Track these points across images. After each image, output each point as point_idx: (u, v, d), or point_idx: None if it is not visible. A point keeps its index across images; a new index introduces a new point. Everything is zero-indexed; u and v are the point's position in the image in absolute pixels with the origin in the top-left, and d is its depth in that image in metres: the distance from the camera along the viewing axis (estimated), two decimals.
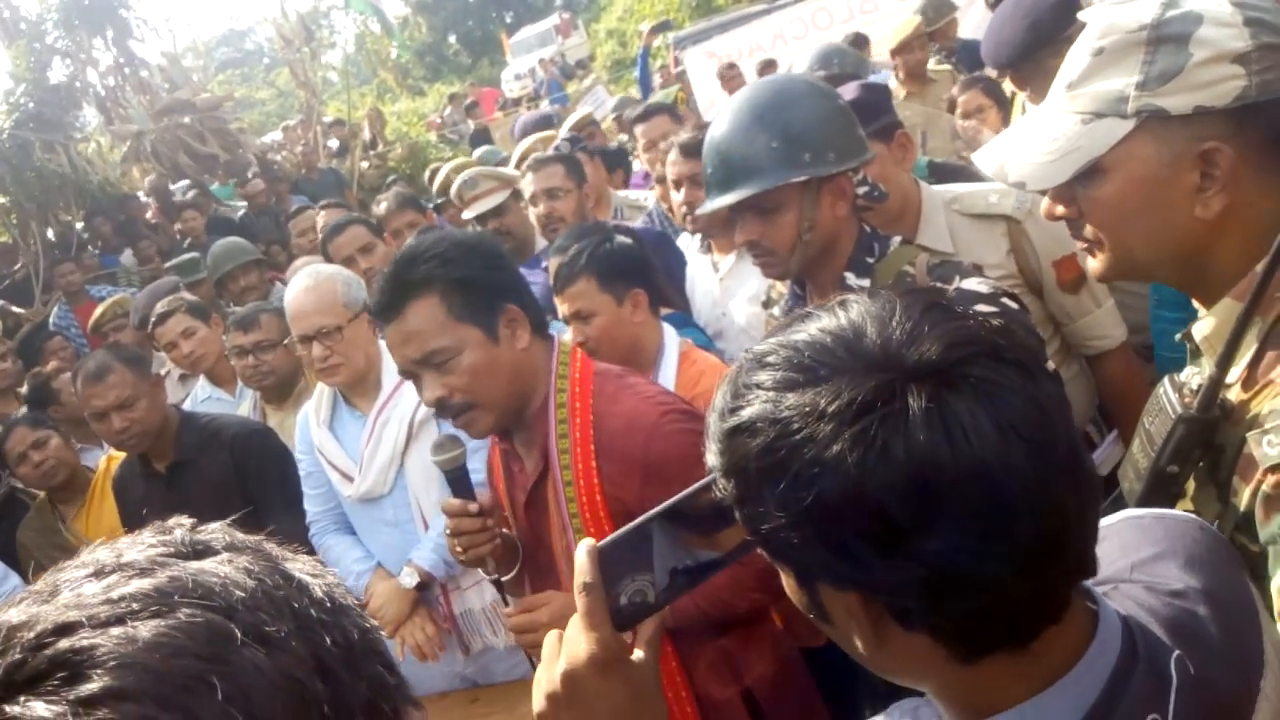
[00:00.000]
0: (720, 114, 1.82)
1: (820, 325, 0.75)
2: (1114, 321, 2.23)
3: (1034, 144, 1.12)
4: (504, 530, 1.82)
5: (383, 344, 2.67)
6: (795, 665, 1.78)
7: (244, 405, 3.54)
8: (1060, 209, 1.14)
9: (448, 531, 1.78)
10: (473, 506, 1.74)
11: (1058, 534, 0.69)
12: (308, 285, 2.62)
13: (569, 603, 1.39)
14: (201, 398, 3.75)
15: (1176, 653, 0.77)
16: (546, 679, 0.90)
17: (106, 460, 3.49)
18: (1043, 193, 1.16)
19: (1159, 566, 0.86)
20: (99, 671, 0.45)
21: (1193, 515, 0.97)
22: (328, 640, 0.52)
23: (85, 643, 0.46)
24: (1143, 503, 1.06)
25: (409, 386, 2.53)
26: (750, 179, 1.71)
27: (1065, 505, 0.69)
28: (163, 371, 3.74)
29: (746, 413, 0.73)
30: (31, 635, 0.47)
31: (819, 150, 1.70)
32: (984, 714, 0.76)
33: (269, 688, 0.48)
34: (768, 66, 7.21)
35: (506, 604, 1.88)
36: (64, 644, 0.46)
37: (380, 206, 4.42)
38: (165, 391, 3.13)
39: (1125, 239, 1.10)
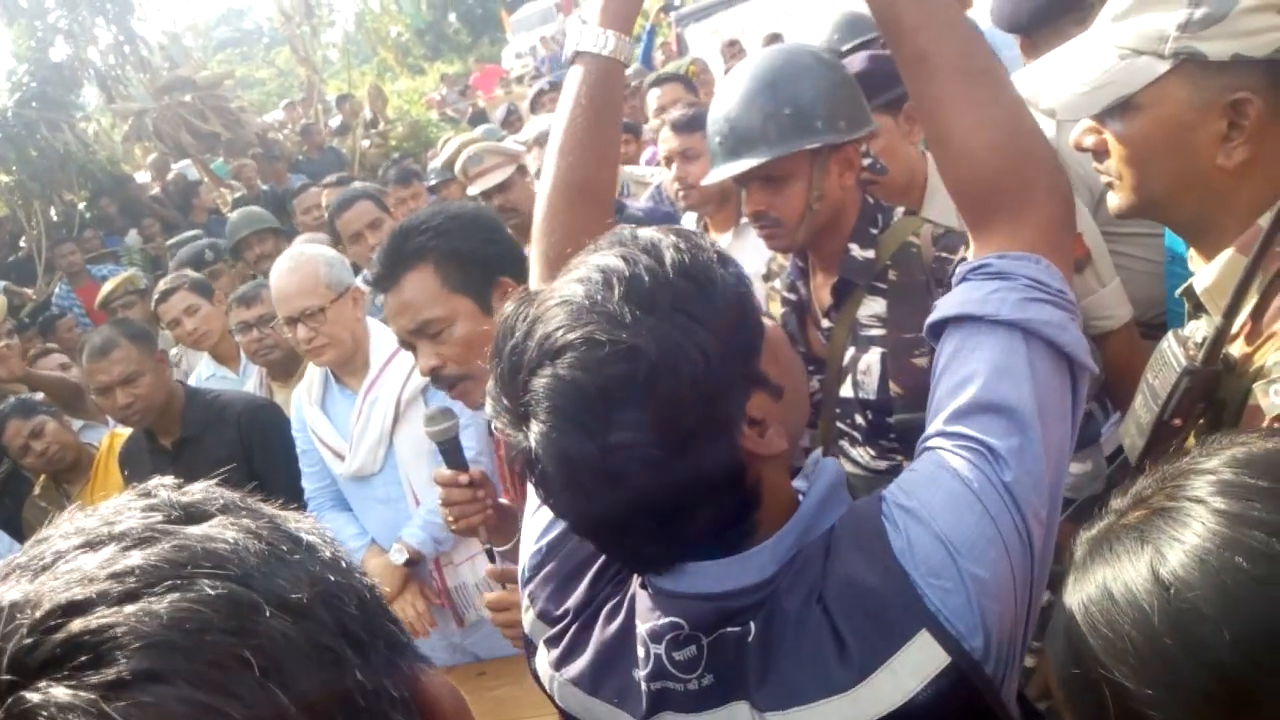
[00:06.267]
0: (727, 84, 1.80)
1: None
2: (1118, 301, 2.15)
3: (1070, 73, 1.12)
4: (502, 501, 1.82)
5: (370, 322, 2.68)
6: None
7: (249, 383, 3.53)
8: (1090, 140, 1.16)
9: (440, 502, 1.78)
10: (463, 478, 1.74)
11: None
12: (289, 267, 2.59)
13: None
14: (205, 375, 3.72)
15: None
16: None
17: (110, 437, 3.48)
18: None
19: None
20: (123, 653, 0.41)
21: None
22: (348, 604, 0.49)
23: (101, 622, 0.42)
24: (1144, 457, 1.07)
25: (396, 365, 2.54)
26: (759, 147, 1.69)
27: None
28: (172, 352, 3.74)
29: None
30: (39, 615, 0.43)
31: (830, 119, 1.69)
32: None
33: (301, 658, 0.45)
34: (774, 40, 7.13)
35: None
36: (77, 624, 0.42)
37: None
38: (170, 367, 3.13)
39: (1145, 177, 1.11)
